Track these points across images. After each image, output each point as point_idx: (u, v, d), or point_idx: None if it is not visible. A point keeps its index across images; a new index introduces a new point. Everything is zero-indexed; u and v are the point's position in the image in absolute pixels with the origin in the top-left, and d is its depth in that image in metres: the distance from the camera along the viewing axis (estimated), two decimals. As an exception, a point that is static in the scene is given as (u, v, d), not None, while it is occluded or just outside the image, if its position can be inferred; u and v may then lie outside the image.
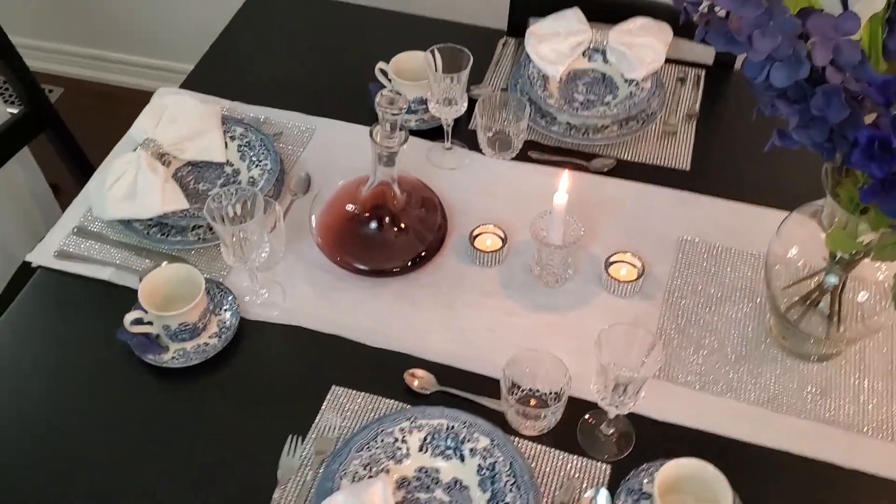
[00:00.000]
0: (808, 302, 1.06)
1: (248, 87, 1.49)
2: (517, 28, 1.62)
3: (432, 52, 1.26)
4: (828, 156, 0.81)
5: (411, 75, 1.38)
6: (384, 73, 1.41)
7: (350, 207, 1.21)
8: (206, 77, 1.51)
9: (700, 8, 0.73)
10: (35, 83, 1.54)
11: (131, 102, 2.76)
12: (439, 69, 1.27)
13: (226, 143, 1.33)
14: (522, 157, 1.36)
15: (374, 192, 1.18)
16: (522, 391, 1.05)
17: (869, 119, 0.78)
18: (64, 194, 1.93)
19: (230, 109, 1.43)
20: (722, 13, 0.73)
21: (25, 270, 1.23)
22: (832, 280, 1.00)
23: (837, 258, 0.99)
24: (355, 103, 1.44)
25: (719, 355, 1.12)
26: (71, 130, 1.63)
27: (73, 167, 1.65)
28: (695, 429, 1.05)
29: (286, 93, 1.48)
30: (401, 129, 1.09)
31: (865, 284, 1.01)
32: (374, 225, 1.20)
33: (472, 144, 1.37)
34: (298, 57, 1.56)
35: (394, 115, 1.04)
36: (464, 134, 1.39)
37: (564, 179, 1.10)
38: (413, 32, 1.61)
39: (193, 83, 1.50)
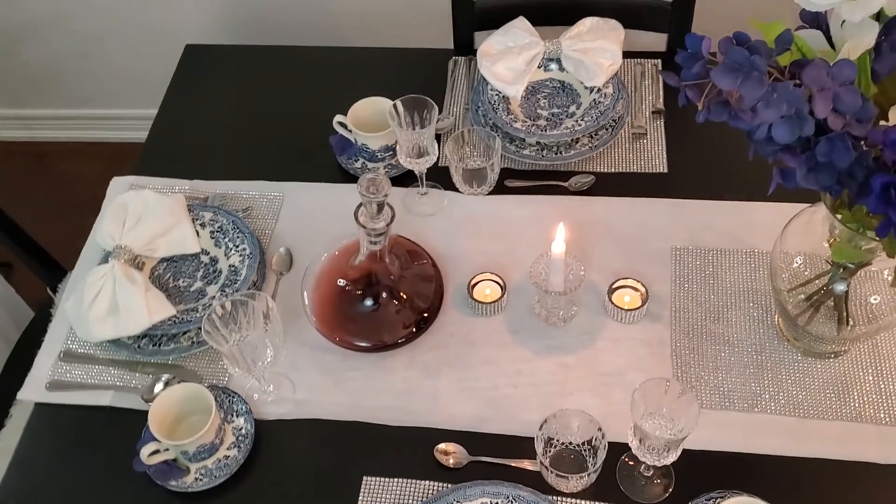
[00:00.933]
0: (814, 304, 1.06)
1: (203, 161, 1.43)
2: (463, 45, 1.58)
3: (395, 106, 1.22)
4: (835, 195, 0.80)
5: (371, 124, 1.34)
6: (343, 125, 1.36)
7: (342, 283, 1.18)
8: (157, 158, 1.45)
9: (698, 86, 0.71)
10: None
11: (63, 158, 2.67)
12: (404, 123, 1.22)
13: (197, 232, 1.27)
14: (500, 187, 1.34)
15: (365, 267, 1.15)
16: (557, 446, 1.04)
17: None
18: (17, 272, 1.86)
19: (191, 189, 1.37)
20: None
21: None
22: (841, 288, 1.01)
23: (843, 267, 0.99)
24: (320, 159, 1.39)
25: (737, 369, 1.12)
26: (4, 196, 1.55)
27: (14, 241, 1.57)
28: (731, 452, 1.05)
29: (244, 159, 1.43)
30: (388, 207, 1.05)
31: (874, 284, 1.01)
32: (369, 301, 1.17)
33: (446, 181, 1.34)
34: (249, 115, 1.50)
35: (379, 199, 1.00)
36: (435, 171, 1.36)
37: (560, 231, 1.08)
38: (360, 67, 1.56)
39: (145, 166, 1.43)
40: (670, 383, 0.95)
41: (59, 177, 2.62)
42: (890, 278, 0.99)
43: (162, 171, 1.40)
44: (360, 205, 1.05)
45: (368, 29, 2.04)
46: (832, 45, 0.80)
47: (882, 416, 1.06)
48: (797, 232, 1.05)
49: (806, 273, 1.04)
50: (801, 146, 0.76)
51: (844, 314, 1.03)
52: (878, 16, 0.76)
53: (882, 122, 0.82)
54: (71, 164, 2.65)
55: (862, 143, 0.75)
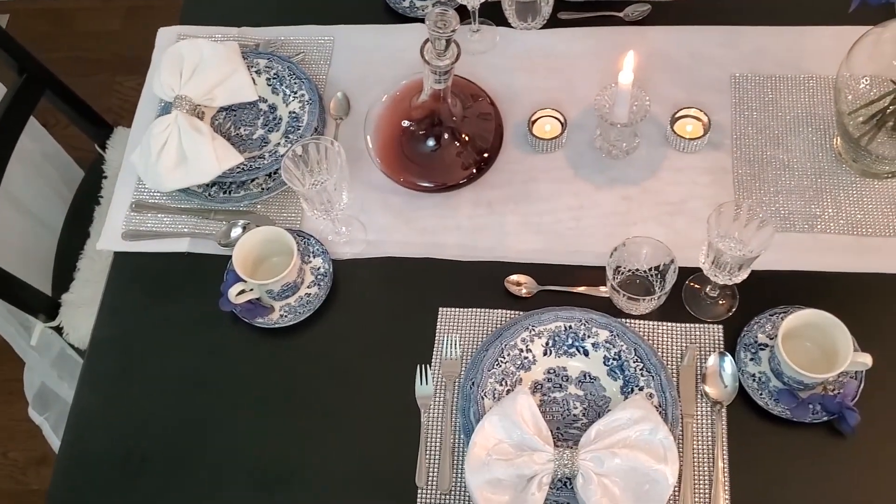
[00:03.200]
0: (876, 123, 1.07)
1: (247, 6, 1.41)
2: None
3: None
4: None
5: (421, -40, 1.31)
6: (390, -38, 1.33)
7: (406, 124, 1.19)
8: (200, 5, 1.42)
9: None
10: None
11: (82, 16, 2.62)
12: (459, -44, 1.20)
13: (253, 80, 1.27)
14: (553, 20, 1.32)
15: (428, 107, 1.15)
16: (624, 273, 1.08)
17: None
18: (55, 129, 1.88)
19: (240, 36, 1.36)
20: None
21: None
22: (909, 109, 1.01)
23: (914, 84, 0.99)
24: (369, 3, 1.37)
25: (798, 192, 1.14)
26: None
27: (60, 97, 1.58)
28: (792, 270, 1.09)
29: (290, 3, 1.40)
30: (454, 44, 1.05)
31: (942, 102, 1.02)
32: (432, 142, 1.18)
33: (498, 17, 1.32)
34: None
35: (447, 35, 1.00)
36: (487, 6, 1.32)
37: (629, 59, 1.08)
38: None
39: (189, 16, 1.41)
40: (741, 209, 0.97)
41: (80, 35, 2.59)
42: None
43: (207, 20, 1.39)
44: (427, 41, 1.05)
45: None
46: None
47: (941, 230, 1.09)
48: (863, 53, 1.05)
49: (872, 93, 1.05)
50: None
51: (906, 135, 1.04)
52: None
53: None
54: (90, 21, 2.61)
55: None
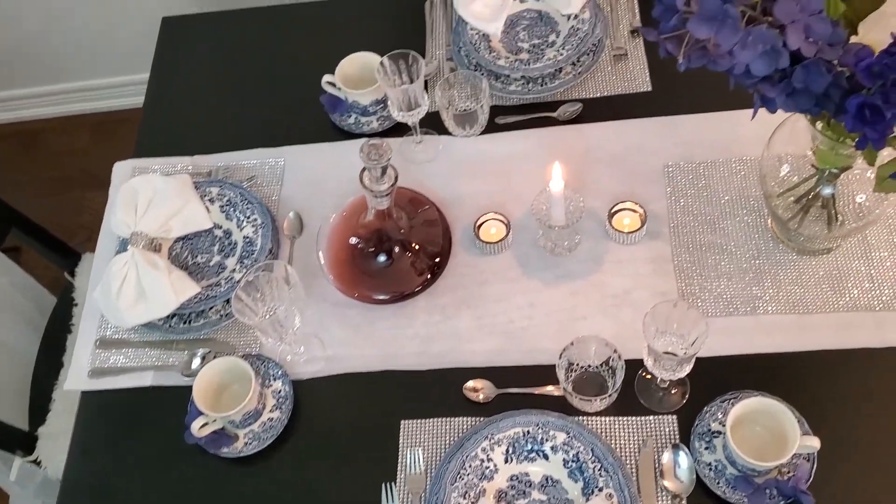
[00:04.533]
0: (804, 207, 1.11)
1: (199, 135, 1.46)
2: (437, -17, 1.58)
3: (381, 63, 1.24)
4: (816, 114, 0.85)
5: (359, 79, 1.36)
6: (332, 83, 1.39)
7: (354, 241, 1.23)
8: (153, 137, 1.48)
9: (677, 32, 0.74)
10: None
11: (50, 134, 2.68)
12: (392, 79, 1.25)
13: (207, 208, 1.32)
14: (491, 125, 1.37)
15: (375, 225, 1.19)
16: (577, 370, 1.11)
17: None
18: (25, 255, 1.91)
19: (193, 165, 1.41)
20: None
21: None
22: (828, 191, 1.06)
23: (827, 171, 1.04)
24: (314, 119, 1.42)
25: (738, 275, 1.18)
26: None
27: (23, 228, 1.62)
28: (739, 355, 1.12)
29: (241, 128, 1.45)
30: (391, 167, 1.09)
31: (859, 184, 1.06)
32: (383, 258, 1.22)
33: (439, 125, 1.37)
34: (237, 84, 1.52)
35: (382, 164, 1.05)
36: (427, 116, 1.38)
37: (556, 169, 1.12)
38: (338, 20, 1.57)
39: (142, 147, 1.46)
40: (678, 303, 1.01)
41: (49, 154, 2.65)
42: (873, 177, 1.04)
43: (161, 151, 1.44)
44: (364, 168, 1.09)
45: None
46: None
47: (875, 303, 1.13)
48: (782, 140, 1.10)
49: (794, 179, 1.09)
50: (778, 75, 0.80)
51: (833, 214, 1.08)
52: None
53: (853, 38, 0.86)
54: (58, 138, 2.67)
55: (835, 65, 0.79)
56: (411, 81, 1.25)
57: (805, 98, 0.81)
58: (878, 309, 1.13)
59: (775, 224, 1.19)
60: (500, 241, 1.24)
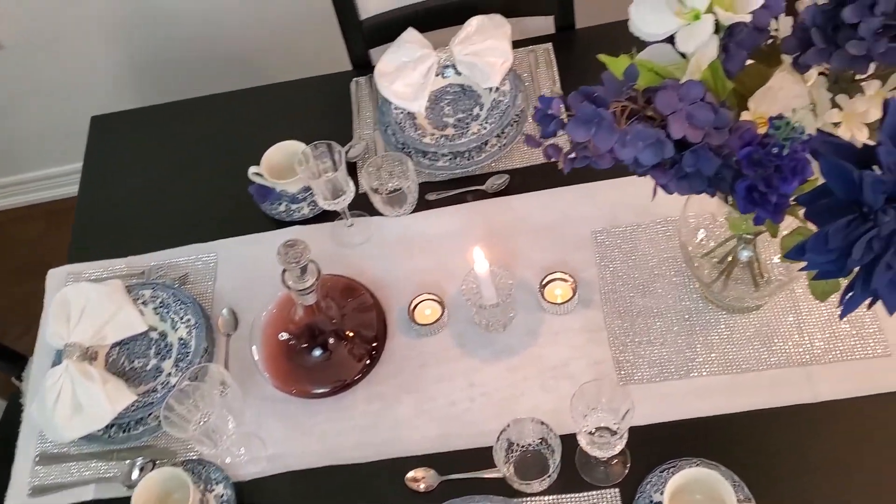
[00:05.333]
0: (725, 271, 1.12)
1: (133, 234, 1.46)
2: (362, 64, 1.60)
3: (303, 154, 1.25)
4: (712, 194, 0.86)
5: (286, 168, 1.37)
6: (260, 174, 1.39)
7: (285, 337, 1.22)
8: (87, 241, 1.47)
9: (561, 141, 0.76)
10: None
11: (5, 224, 2.65)
12: (314, 169, 1.26)
13: (140, 311, 1.31)
14: (422, 203, 1.38)
15: (304, 321, 1.19)
16: (517, 450, 1.11)
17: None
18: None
19: (127, 267, 1.40)
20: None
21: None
22: (746, 254, 1.07)
23: (742, 236, 1.05)
24: (246, 209, 1.42)
25: (670, 338, 1.19)
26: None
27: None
28: (677, 420, 1.12)
29: (173, 225, 1.45)
30: (311, 263, 1.09)
31: (775, 245, 1.08)
32: (318, 352, 1.21)
33: (371, 207, 1.38)
34: (168, 179, 1.53)
35: (301, 264, 1.05)
36: (358, 198, 1.38)
37: (478, 254, 1.13)
38: (265, 106, 1.58)
39: (76, 252, 1.45)
40: (603, 382, 1.01)
41: (5, 242, 2.63)
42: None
43: (94, 254, 1.43)
44: (285, 269, 1.09)
45: (265, 66, 2.05)
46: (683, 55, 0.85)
47: (807, 357, 1.14)
48: (696, 206, 1.11)
49: (710, 244, 1.11)
50: (668, 162, 0.81)
51: (755, 275, 1.10)
52: (717, 26, 0.81)
53: (744, 113, 0.88)
54: (13, 227, 2.65)
55: (723, 148, 0.80)
56: (335, 169, 1.26)
57: (698, 181, 0.82)
58: (809, 363, 1.14)
59: (702, 288, 1.20)
60: (436, 322, 1.24)
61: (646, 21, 0.77)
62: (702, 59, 0.80)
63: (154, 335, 1.31)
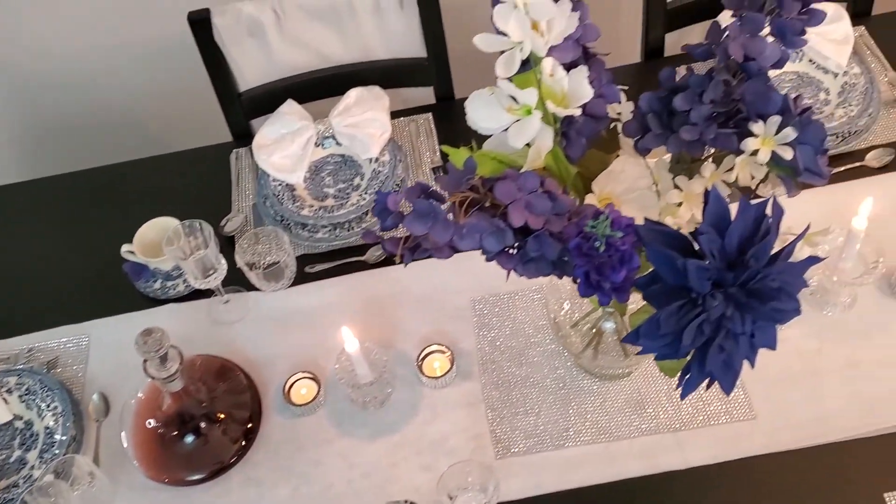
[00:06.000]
0: (591, 341, 1.14)
1: (3, 316, 1.40)
2: (242, 135, 1.59)
3: (173, 233, 1.22)
4: (559, 276, 0.87)
5: (160, 246, 1.34)
6: (132, 252, 1.36)
7: (154, 424, 1.18)
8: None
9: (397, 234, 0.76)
10: None
11: None
12: (183, 249, 1.23)
13: (5, 400, 1.25)
14: (301, 275, 1.37)
15: (173, 408, 1.16)
16: (393, 533, 1.09)
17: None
18: None
19: (-8, 353, 1.34)
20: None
21: None
22: (609, 325, 1.09)
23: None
24: (121, 288, 1.38)
25: (545, 408, 1.19)
26: None
27: None
28: (553, 493, 1.13)
29: (46, 306, 1.40)
30: (172, 349, 1.06)
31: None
32: (190, 438, 1.18)
33: (248, 282, 1.36)
34: (38, 259, 1.47)
35: (161, 353, 1.02)
36: (235, 273, 1.36)
37: (346, 333, 1.12)
38: (143, 180, 1.55)
39: (-59, 336, 1.39)
40: (470, 462, 1.01)
41: None
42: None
43: (-41, 340, 1.37)
44: (145, 358, 1.06)
45: (143, 139, 2.02)
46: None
47: (676, 423, 1.16)
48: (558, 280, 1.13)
49: (576, 315, 1.12)
50: (515, 247, 0.82)
51: (621, 345, 1.12)
52: (555, 117, 0.83)
53: (589, 196, 0.90)
54: None
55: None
56: (206, 247, 1.24)
57: (543, 265, 0.83)
58: (679, 429, 1.16)
59: (574, 357, 1.22)
60: (312, 401, 1.22)
61: (480, 116, 0.78)
62: (539, 150, 0.82)
63: (19, 424, 1.25)
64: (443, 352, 1.24)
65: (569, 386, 1.21)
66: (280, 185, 1.44)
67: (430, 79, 1.57)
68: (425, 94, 1.60)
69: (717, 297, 0.74)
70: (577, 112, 0.78)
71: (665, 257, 0.73)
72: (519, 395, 1.21)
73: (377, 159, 1.44)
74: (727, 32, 0.82)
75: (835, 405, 1.15)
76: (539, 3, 0.69)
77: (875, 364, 1.18)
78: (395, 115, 1.54)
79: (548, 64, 0.79)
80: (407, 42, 1.52)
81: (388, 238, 0.78)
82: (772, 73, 1.39)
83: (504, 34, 0.74)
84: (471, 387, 1.23)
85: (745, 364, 0.87)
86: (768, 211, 0.76)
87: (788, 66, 1.49)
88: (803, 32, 0.84)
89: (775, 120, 0.83)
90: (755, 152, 0.84)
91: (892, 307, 1.22)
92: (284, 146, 1.44)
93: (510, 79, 0.76)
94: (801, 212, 1.29)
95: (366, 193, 1.42)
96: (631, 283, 0.81)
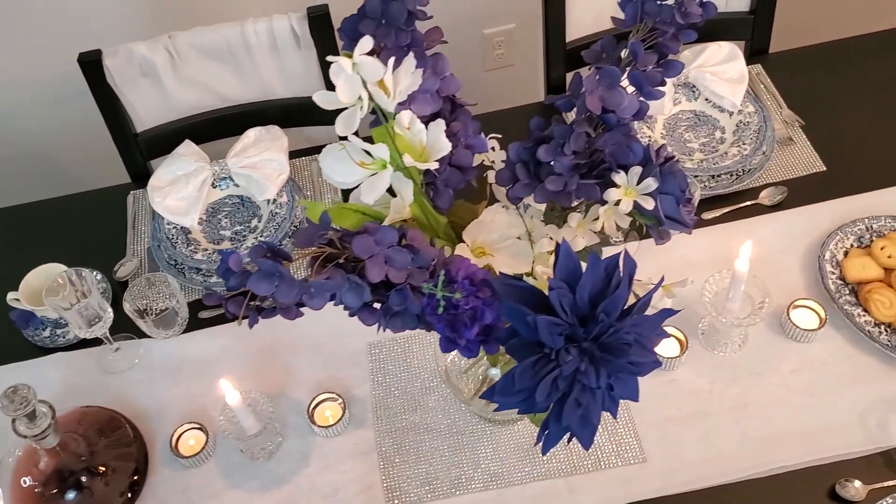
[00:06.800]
0: (482, 386, 1.13)
1: None
2: (141, 176, 1.56)
3: (50, 287, 1.18)
4: (427, 330, 0.86)
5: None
6: (18, 299, 1.31)
7: (31, 483, 1.13)
8: None
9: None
10: None
11: None
12: (69, 298, 1.20)
13: None
14: (194, 322, 1.33)
15: (51, 463, 1.11)
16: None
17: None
18: None
19: None
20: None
21: None
22: (494, 372, 1.08)
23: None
24: (7, 337, 1.34)
25: (438, 454, 1.18)
26: None
27: None
28: (442, 543, 1.11)
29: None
30: (41, 405, 1.02)
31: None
32: (71, 494, 1.13)
33: (139, 329, 1.32)
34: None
35: (26, 412, 0.98)
36: (125, 321, 1.32)
37: (225, 385, 1.09)
38: (36, 223, 1.51)
39: None
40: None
41: None
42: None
43: None
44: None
45: (43, 179, 1.97)
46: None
47: (568, 468, 1.15)
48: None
49: (464, 362, 1.11)
50: (378, 300, 0.81)
51: (509, 390, 1.10)
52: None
53: (460, 246, 0.89)
54: None
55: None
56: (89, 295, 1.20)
57: (408, 319, 0.82)
58: (570, 473, 1.15)
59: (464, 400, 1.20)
60: (199, 453, 1.18)
61: (335, 171, 0.77)
62: (400, 203, 0.81)
63: None
64: (335, 399, 1.22)
65: (462, 431, 1.20)
66: (174, 228, 1.41)
67: (332, 117, 1.55)
68: (329, 133, 1.58)
69: (571, 352, 0.73)
70: (435, 166, 0.77)
71: (517, 313, 0.73)
72: (413, 441, 1.19)
73: (275, 200, 1.42)
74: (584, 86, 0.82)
75: (726, 446, 1.16)
76: (368, 64, 0.68)
77: (765, 404, 1.18)
78: (297, 153, 1.52)
79: (405, 117, 0.78)
80: (306, 80, 1.51)
81: (231, 298, 0.75)
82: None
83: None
84: (364, 434, 1.21)
85: (637, 405, 0.86)
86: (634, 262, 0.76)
87: (685, 105, 1.51)
88: (663, 83, 0.85)
89: (636, 170, 0.83)
90: (619, 202, 0.84)
91: (782, 346, 1.23)
92: (179, 188, 1.41)
93: (357, 133, 0.75)
94: (694, 249, 1.32)
95: (262, 236, 1.39)
96: (492, 337, 0.80)
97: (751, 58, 1.63)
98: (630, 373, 0.77)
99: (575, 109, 0.85)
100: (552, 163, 0.85)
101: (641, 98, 0.83)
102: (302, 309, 0.80)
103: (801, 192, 1.40)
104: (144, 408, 1.25)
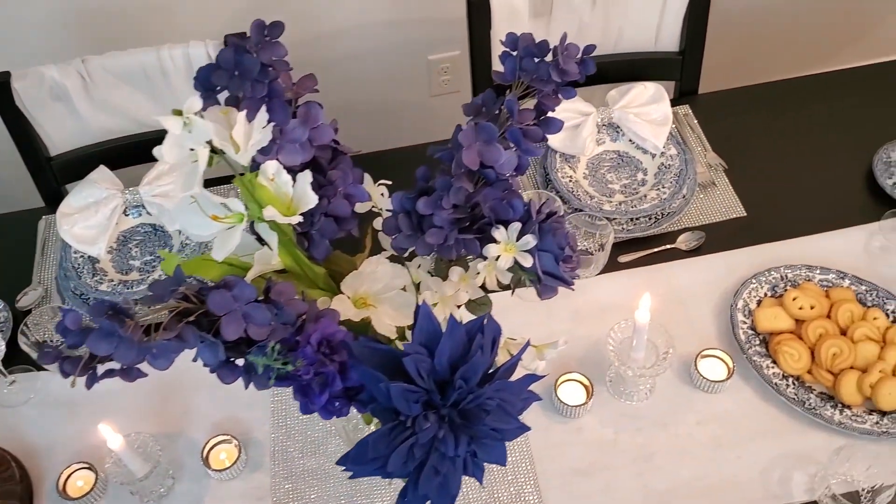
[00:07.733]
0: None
1: None
2: (56, 200, 1.51)
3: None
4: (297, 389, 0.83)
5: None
6: None
7: None
8: None
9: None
10: None
11: None
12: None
13: None
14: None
15: (-77, 504, 1.07)
16: None
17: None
18: None
19: None
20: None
21: None
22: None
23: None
24: None
25: (335, 501, 1.14)
26: None
27: None
28: None
29: None
30: None
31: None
32: (-63, 539, 1.09)
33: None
34: None
35: None
36: (23, 354, 1.27)
37: (105, 430, 1.05)
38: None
39: None
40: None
41: None
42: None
43: None
44: None
45: None
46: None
47: (467, 517, 1.12)
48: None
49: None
50: (237, 355, 0.78)
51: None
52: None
53: (337, 298, 0.87)
54: None
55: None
56: (-21, 330, 1.16)
57: (269, 377, 0.79)
58: (468, 523, 1.12)
59: (371, 442, 1.17)
60: (86, 494, 1.14)
61: (191, 224, 0.74)
62: (267, 253, 0.78)
63: None
64: (229, 441, 1.18)
65: (360, 479, 1.16)
66: (82, 256, 1.37)
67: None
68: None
69: (430, 419, 0.71)
70: (298, 220, 0.74)
71: (372, 378, 0.70)
72: (309, 488, 1.16)
73: (179, 232, 1.39)
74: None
75: (629, 499, 1.13)
76: (199, 128, 0.66)
77: (669, 456, 1.16)
78: (213, 182, 1.49)
79: (270, 168, 0.75)
80: (224, 109, 1.47)
81: (66, 357, 0.72)
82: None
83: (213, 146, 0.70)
84: (260, 479, 1.17)
85: (540, 454, 0.82)
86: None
87: (609, 146, 1.50)
88: (544, 139, 0.83)
89: (516, 227, 0.81)
90: (499, 258, 0.82)
91: (689, 396, 1.22)
92: (88, 216, 1.37)
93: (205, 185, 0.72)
94: (608, 293, 1.30)
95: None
96: (356, 399, 0.78)
97: (679, 98, 1.62)
98: (493, 439, 0.74)
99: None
100: (432, 215, 0.83)
101: (519, 154, 0.81)
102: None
103: (719, 237, 1.39)
104: (36, 444, 1.21)
